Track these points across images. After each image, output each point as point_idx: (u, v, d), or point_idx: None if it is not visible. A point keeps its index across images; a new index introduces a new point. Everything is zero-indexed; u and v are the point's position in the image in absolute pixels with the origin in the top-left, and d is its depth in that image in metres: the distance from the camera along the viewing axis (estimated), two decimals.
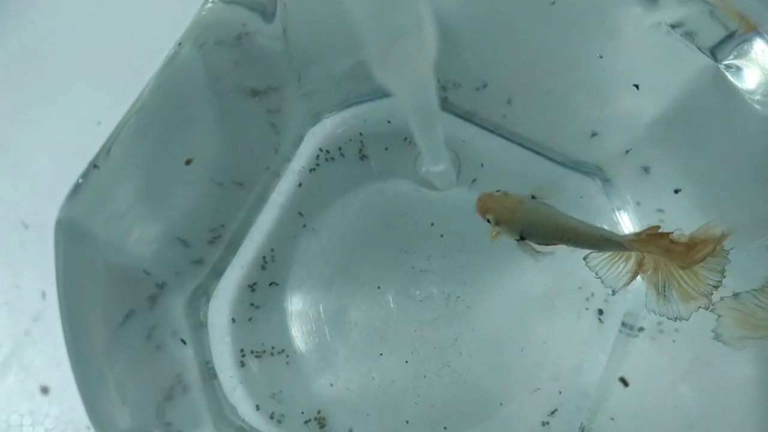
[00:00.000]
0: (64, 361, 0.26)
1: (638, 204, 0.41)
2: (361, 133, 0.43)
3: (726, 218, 0.37)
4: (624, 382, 0.40)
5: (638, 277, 0.40)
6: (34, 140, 0.27)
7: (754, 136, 0.34)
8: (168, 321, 0.38)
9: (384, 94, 0.43)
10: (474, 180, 0.43)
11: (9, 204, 0.26)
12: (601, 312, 0.41)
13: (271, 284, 0.42)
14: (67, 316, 0.26)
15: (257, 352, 0.41)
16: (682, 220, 0.40)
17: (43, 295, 0.26)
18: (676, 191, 0.39)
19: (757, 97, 0.34)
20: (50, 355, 0.26)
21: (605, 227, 0.42)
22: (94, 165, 0.30)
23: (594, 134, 0.41)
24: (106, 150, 0.31)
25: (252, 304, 0.42)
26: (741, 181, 0.36)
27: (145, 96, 0.32)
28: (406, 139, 0.43)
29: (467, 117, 0.43)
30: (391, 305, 0.41)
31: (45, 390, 0.25)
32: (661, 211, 0.40)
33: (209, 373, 0.40)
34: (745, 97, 0.33)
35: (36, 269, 0.26)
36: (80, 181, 0.29)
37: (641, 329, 0.40)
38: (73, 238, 0.28)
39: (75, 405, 0.26)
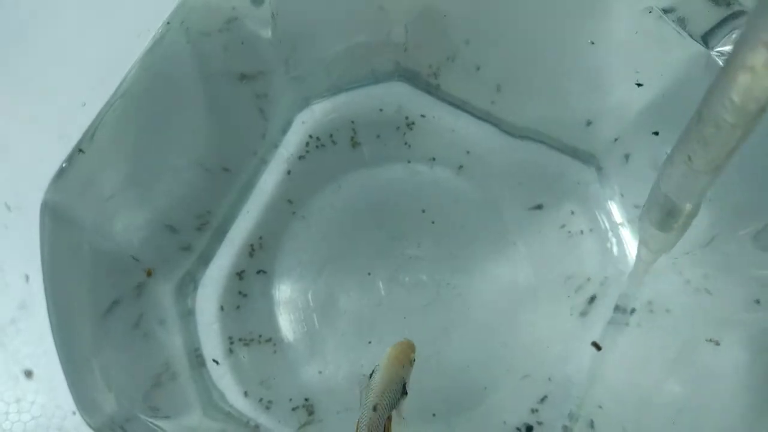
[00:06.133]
0: (49, 346, 0.25)
1: (622, 195, 0.42)
2: (352, 121, 0.43)
3: (712, 207, 0.38)
4: (596, 346, 0.40)
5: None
6: (17, 122, 0.27)
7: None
8: (156, 308, 0.38)
9: (375, 80, 0.43)
10: (461, 166, 0.43)
11: None
12: (591, 300, 0.41)
13: (258, 272, 0.42)
14: (52, 300, 0.26)
15: (246, 339, 0.41)
16: None
17: (27, 278, 0.25)
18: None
19: None
20: (35, 339, 0.25)
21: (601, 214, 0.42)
22: (79, 149, 0.29)
23: (589, 123, 0.41)
24: (90, 134, 0.30)
25: (240, 292, 0.41)
26: (728, 171, 0.36)
27: (130, 79, 0.32)
28: (398, 128, 0.43)
29: (458, 104, 0.43)
30: (381, 292, 0.41)
31: (29, 373, 0.25)
32: None
33: (197, 361, 0.40)
34: None
35: (19, 252, 0.26)
36: (64, 165, 0.29)
37: (633, 311, 0.40)
38: (58, 221, 0.27)
39: (60, 390, 0.25)
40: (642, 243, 0.33)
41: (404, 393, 0.32)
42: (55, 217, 0.27)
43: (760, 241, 0.35)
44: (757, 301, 0.37)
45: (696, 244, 0.38)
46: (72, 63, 0.29)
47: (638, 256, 0.35)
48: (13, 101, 0.27)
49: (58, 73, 0.28)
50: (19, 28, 0.28)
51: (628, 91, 0.38)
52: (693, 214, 0.27)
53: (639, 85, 0.37)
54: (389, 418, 0.31)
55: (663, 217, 0.28)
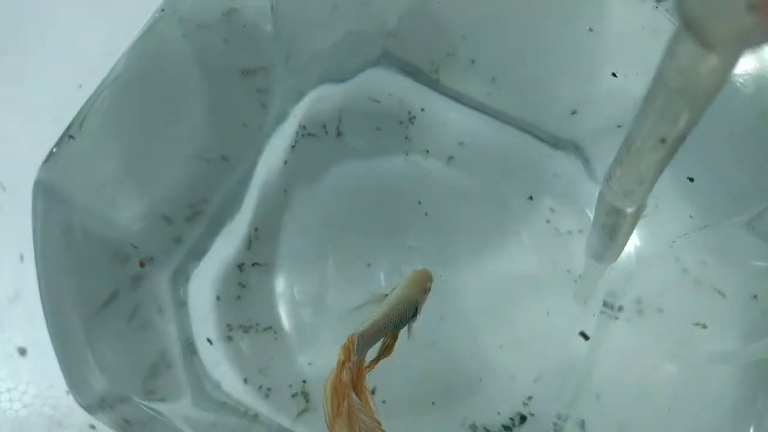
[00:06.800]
0: (43, 328, 0.25)
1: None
2: (351, 111, 0.43)
3: (704, 195, 0.38)
4: (584, 335, 0.40)
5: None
6: (13, 102, 0.27)
7: (735, 115, 0.35)
8: (151, 298, 0.38)
9: (375, 73, 0.43)
10: (450, 157, 0.43)
11: None
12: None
13: (254, 264, 0.42)
14: (45, 283, 0.26)
15: (245, 327, 0.41)
16: (661, 196, 0.40)
17: (21, 258, 0.25)
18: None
19: (740, 76, 0.34)
20: (29, 320, 0.25)
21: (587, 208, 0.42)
22: (68, 135, 0.29)
23: (574, 112, 0.41)
24: (80, 120, 0.30)
25: (240, 283, 0.41)
26: (721, 159, 0.36)
27: (120, 67, 0.31)
28: (402, 122, 0.43)
29: (456, 97, 0.43)
30: (382, 283, 0.41)
31: (23, 351, 0.25)
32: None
33: (190, 350, 0.40)
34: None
35: (13, 232, 0.26)
36: (54, 150, 0.28)
37: (620, 308, 0.40)
38: (51, 202, 0.27)
39: (53, 370, 0.25)
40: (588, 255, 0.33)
41: (414, 316, 0.32)
42: (48, 198, 0.27)
43: (754, 229, 0.35)
44: (755, 297, 0.37)
45: (690, 233, 0.38)
46: (67, 47, 0.28)
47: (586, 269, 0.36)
48: (8, 81, 0.27)
49: (54, 56, 0.28)
50: (15, 12, 0.28)
51: (621, 82, 0.38)
52: (634, 220, 0.27)
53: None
54: (394, 337, 0.32)
55: (609, 223, 0.28)
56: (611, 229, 0.27)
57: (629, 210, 0.25)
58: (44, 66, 0.28)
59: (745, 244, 0.37)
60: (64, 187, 0.29)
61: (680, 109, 0.19)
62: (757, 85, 0.34)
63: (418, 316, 0.32)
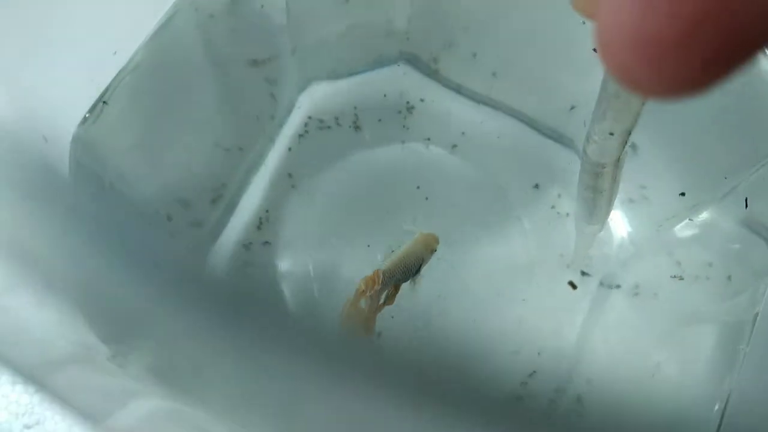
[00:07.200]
0: None
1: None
2: (355, 107, 0.45)
3: (690, 176, 0.40)
4: (572, 285, 0.41)
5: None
6: (55, 64, 0.29)
7: (722, 94, 0.36)
8: (170, 272, 0.39)
9: (379, 65, 0.46)
10: (455, 146, 0.45)
11: (32, 120, 0.28)
12: (582, 275, 0.43)
13: (264, 243, 0.43)
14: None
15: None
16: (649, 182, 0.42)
17: None
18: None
19: None
20: None
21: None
22: (103, 101, 0.31)
23: (573, 107, 0.43)
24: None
25: (245, 262, 0.43)
26: (704, 138, 0.38)
27: (140, 56, 0.34)
28: (400, 112, 0.45)
29: (455, 89, 0.45)
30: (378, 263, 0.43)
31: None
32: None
33: None
34: None
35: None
36: (87, 115, 0.31)
37: (618, 286, 0.42)
38: (86, 159, 0.29)
39: None
40: (578, 221, 0.36)
41: (418, 272, 0.35)
42: (83, 155, 0.29)
43: (725, 209, 0.36)
44: (729, 278, 0.39)
45: (678, 214, 0.40)
46: (105, 17, 0.31)
47: (578, 236, 0.39)
48: (49, 48, 0.29)
49: (91, 25, 0.30)
50: None
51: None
52: (614, 176, 0.29)
53: None
54: (396, 287, 0.34)
55: (592, 183, 0.30)
56: (594, 186, 0.29)
57: (608, 164, 0.27)
58: (83, 34, 0.30)
59: (721, 226, 0.38)
60: (96, 148, 0.31)
61: (618, 109, 0.22)
62: None
63: (421, 273, 0.34)
